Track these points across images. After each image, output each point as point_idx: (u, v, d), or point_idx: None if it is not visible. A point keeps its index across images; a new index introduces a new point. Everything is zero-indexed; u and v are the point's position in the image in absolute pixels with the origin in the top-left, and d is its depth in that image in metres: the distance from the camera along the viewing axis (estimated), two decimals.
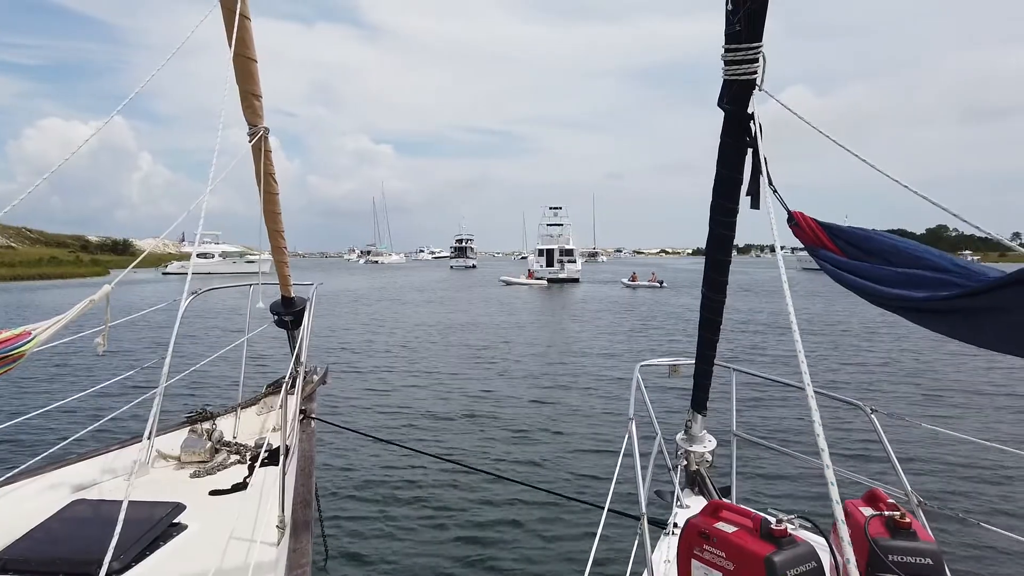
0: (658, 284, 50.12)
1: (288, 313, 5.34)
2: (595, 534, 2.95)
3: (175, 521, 3.03)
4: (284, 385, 3.86)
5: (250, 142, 4.03)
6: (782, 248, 2.16)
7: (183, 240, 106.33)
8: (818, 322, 26.27)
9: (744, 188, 2.77)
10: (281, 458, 3.03)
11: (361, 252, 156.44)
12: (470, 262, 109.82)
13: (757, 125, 2.54)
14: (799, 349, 1.49)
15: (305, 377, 5.20)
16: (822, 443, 1.57)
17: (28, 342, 2.33)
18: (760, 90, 2.50)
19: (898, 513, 2.44)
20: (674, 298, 40.59)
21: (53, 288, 48.73)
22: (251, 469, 3.91)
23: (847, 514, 2.63)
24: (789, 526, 2.36)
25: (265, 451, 2.93)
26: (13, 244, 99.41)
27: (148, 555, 2.76)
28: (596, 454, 9.12)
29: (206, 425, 4.29)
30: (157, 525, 2.93)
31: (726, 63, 2.51)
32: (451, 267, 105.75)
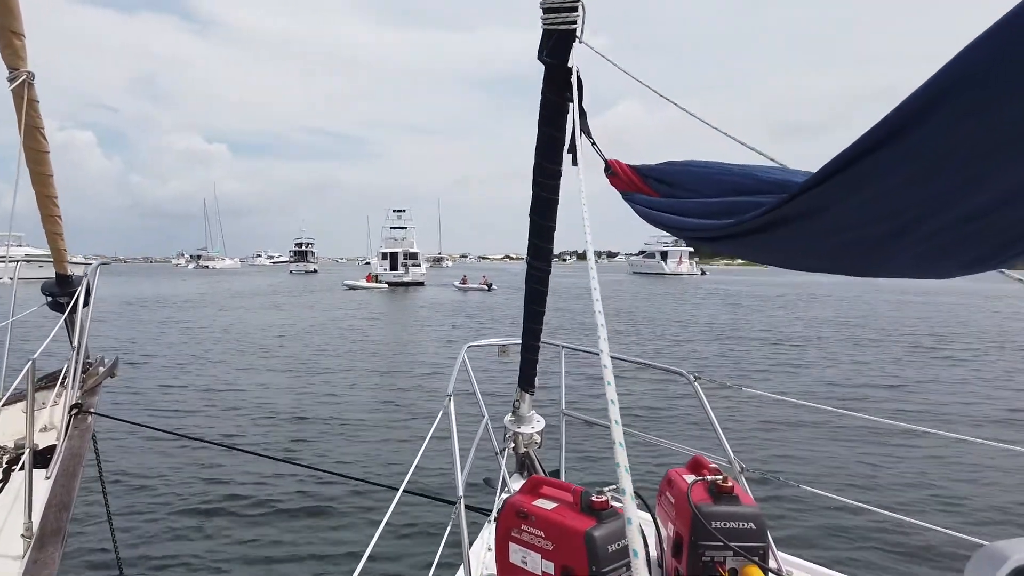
0: (487, 287, 51.13)
1: (64, 293, 4.59)
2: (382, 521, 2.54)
3: None
4: (59, 378, 3.25)
5: (11, 87, 3.41)
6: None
7: None
8: (644, 313, 27.80)
9: (567, 147, 2.65)
10: (26, 459, 2.49)
11: (191, 256, 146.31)
12: (311, 267, 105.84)
13: (577, 79, 2.43)
14: (600, 322, 1.31)
15: (87, 370, 4.50)
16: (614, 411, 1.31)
17: None
18: (580, 43, 2.38)
19: (720, 477, 2.37)
20: (503, 299, 41.96)
21: None
22: (7, 474, 3.28)
23: (671, 483, 2.54)
24: (611, 498, 2.20)
25: (27, 452, 2.41)
26: None
27: None
28: (416, 439, 8.91)
29: None
30: None
31: (544, 11, 2.39)
32: (290, 272, 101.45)
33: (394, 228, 68.31)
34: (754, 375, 14.33)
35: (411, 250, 62.78)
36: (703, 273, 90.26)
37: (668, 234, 2.29)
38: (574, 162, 2.61)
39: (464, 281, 54.47)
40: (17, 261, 4.20)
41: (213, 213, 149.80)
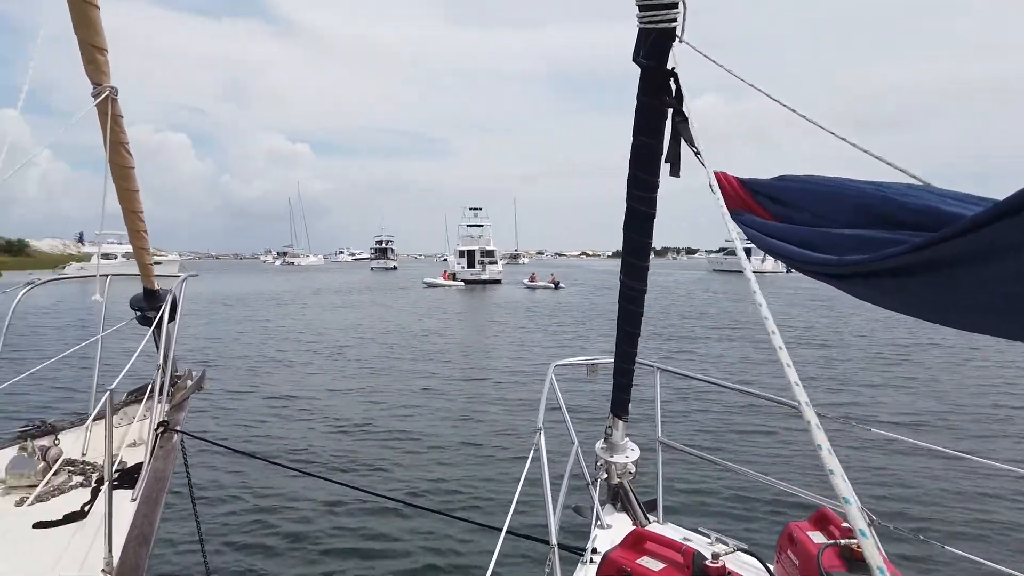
0: (553, 286, 50.92)
1: (151, 308, 4.62)
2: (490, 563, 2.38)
3: None
4: (147, 393, 3.23)
5: (95, 103, 3.40)
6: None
7: (81, 240, 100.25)
8: (745, 322, 26.76)
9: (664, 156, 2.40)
10: (105, 491, 2.41)
11: (278, 254, 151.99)
12: (391, 264, 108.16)
13: (678, 82, 2.20)
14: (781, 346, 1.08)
15: (176, 383, 4.52)
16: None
17: None
18: (681, 42, 2.13)
19: (854, 542, 2.05)
20: (570, 298, 41.59)
21: None
22: (95, 494, 3.26)
23: (793, 540, 2.24)
24: (727, 559, 1.93)
25: (105, 485, 2.35)
26: None
27: None
28: (509, 467, 8.42)
29: (42, 442, 3.57)
30: None
31: (641, 8, 2.15)
32: (371, 269, 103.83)
33: (471, 226, 68.93)
34: (863, 397, 12.59)
35: (487, 248, 63.20)
36: (788, 271, 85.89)
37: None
38: (673, 172, 2.36)
39: (532, 279, 54.51)
40: (107, 276, 4.23)
41: (298, 211, 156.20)
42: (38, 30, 2.63)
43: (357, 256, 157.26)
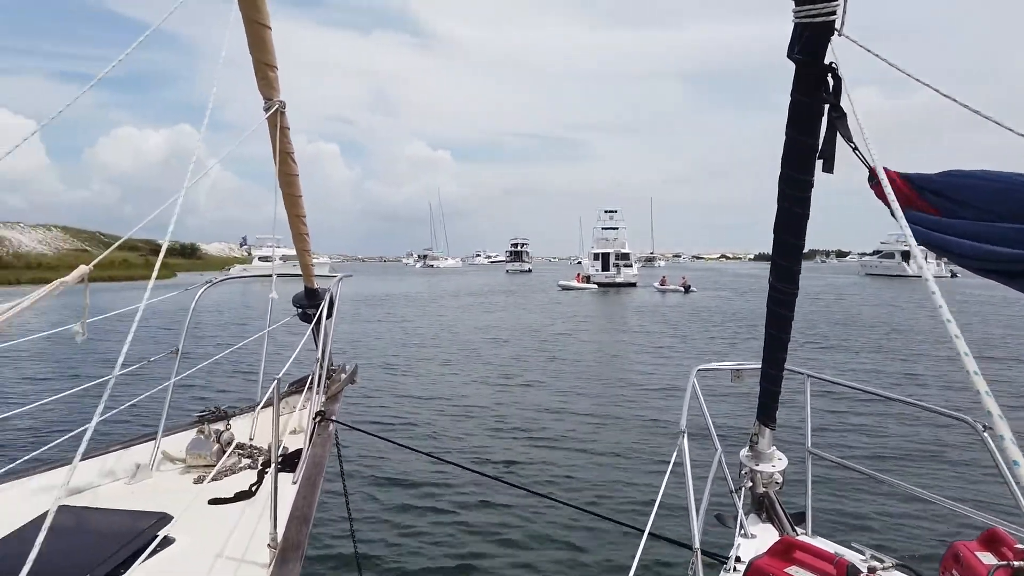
0: (683, 289, 49.77)
1: (311, 305, 5.01)
2: (632, 563, 2.41)
3: (160, 534, 2.69)
4: (306, 384, 3.51)
5: (266, 116, 3.74)
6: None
7: (243, 244, 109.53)
8: (906, 328, 24.81)
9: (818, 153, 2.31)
10: (271, 474, 2.66)
11: (419, 256, 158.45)
12: (526, 266, 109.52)
13: (837, 78, 2.12)
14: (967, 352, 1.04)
15: (331, 376, 4.87)
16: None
17: None
18: (840, 35, 2.04)
19: None
20: (700, 301, 40.58)
21: (123, 290, 50.62)
22: (261, 476, 3.60)
23: (959, 561, 2.09)
24: (883, 575, 1.84)
25: (272, 468, 2.62)
26: (87, 248, 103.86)
27: (122, 573, 2.43)
28: (649, 470, 8.29)
29: (216, 426, 3.98)
30: (137, 539, 2.61)
31: (797, 2, 2.08)
32: (507, 271, 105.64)
33: (605, 228, 68.50)
34: None
35: (622, 250, 62.52)
36: (953, 275, 73.94)
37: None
38: (827, 168, 2.27)
39: (663, 282, 53.62)
40: (277, 276, 4.64)
41: (437, 215, 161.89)
42: (218, 53, 2.93)
43: (493, 259, 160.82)
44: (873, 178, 1.95)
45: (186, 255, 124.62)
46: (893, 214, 1.88)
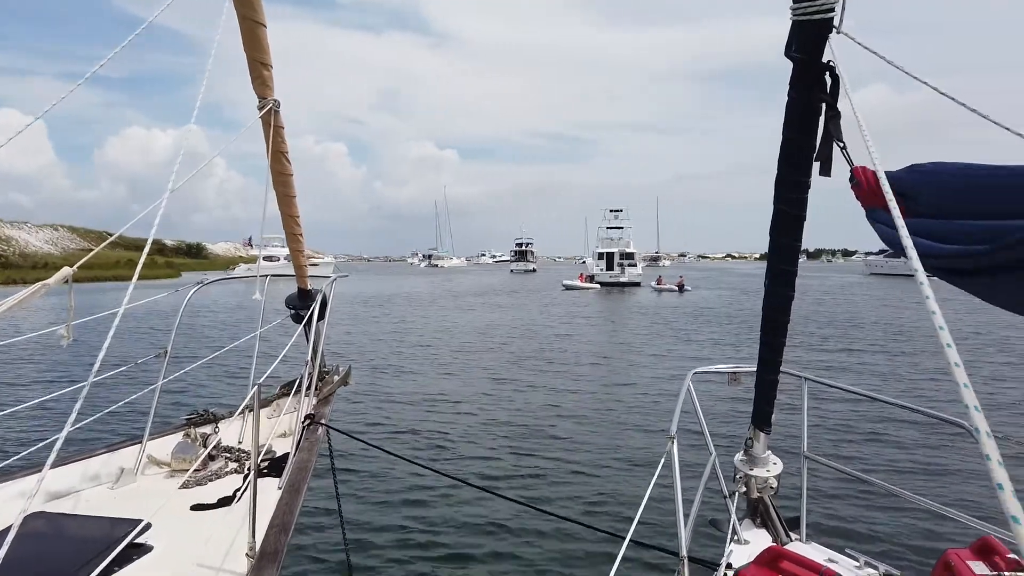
0: (677, 289, 50.83)
1: (304, 306, 4.96)
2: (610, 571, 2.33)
3: (139, 542, 2.66)
4: (295, 386, 3.47)
5: (260, 115, 3.70)
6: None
7: (248, 243, 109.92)
8: (907, 331, 24.65)
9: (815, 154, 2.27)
10: (251, 481, 2.62)
11: (423, 256, 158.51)
12: (530, 266, 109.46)
13: (834, 76, 2.09)
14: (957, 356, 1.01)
15: (323, 378, 4.83)
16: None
17: None
18: (838, 32, 2.00)
19: (1022, 574, 1.84)
20: (691, 300, 41.47)
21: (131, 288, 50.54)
22: (246, 480, 3.57)
23: (951, 569, 2.04)
24: None
25: (252, 475, 2.58)
26: (94, 247, 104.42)
27: None
28: (646, 480, 8.08)
29: (203, 429, 3.95)
30: (113, 546, 2.56)
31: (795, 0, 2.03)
32: (511, 271, 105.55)
33: (610, 228, 68.38)
34: None
35: (627, 250, 62.39)
36: None
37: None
38: (824, 171, 2.23)
39: (660, 282, 54.56)
40: (266, 276, 4.59)
41: (443, 215, 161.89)
42: (223, 52, 2.89)
43: (498, 258, 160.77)
44: (853, 179, 1.92)
45: (192, 254, 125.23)
46: (869, 217, 1.85)
